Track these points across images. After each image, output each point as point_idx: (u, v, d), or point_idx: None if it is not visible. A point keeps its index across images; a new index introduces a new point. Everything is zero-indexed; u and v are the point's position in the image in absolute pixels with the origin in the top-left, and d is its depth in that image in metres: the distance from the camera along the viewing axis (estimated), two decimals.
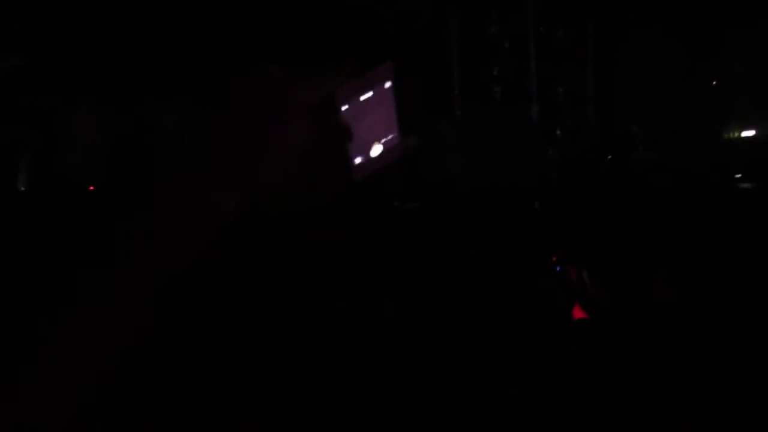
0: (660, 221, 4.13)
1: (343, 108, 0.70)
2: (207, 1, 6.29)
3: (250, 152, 0.66)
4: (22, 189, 3.82)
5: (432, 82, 8.36)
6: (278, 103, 0.67)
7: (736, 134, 7.21)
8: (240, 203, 0.63)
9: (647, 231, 3.68)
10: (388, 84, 0.73)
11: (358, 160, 0.73)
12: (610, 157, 7.43)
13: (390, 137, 0.74)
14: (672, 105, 7.91)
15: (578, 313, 1.91)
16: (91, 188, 4.63)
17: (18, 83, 3.95)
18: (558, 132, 8.13)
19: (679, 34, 7.71)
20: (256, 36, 6.60)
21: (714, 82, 7.74)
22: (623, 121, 7.94)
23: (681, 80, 7.81)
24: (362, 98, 0.74)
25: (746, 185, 5.33)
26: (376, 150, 0.74)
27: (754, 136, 6.93)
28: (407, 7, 8.06)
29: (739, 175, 5.92)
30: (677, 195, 5.34)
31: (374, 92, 0.74)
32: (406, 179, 6.92)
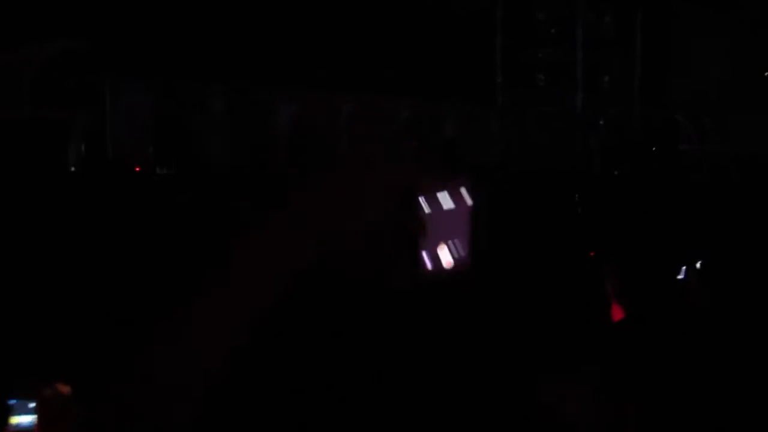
0: (700, 220, 4.04)
1: (422, 204, 0.74)
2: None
3: (332, 224, 0.70)
4: (72, 168, 3.95)
5: (475, 67, 8.28)
6: (364, 186, 0.71)
7: None
8: (315, 270, 0.67)
9: (687, 230, 3.61)
10: (468, 198, 0.77)
11: (426, 257, 0.75)
12: (654, 148, 7.27)
13: (458, 244, 0.76)
14: (719, 96, 7.67)
15: (617, 313, 1.90)
16: (137, 169, 4.76)
17: (67, 65, 4.07)
18: (601, 122, 7.97)
19: (729, 26, 7.46)
20: (293, 17, 6.63)
21: (766, 74, 7.47)
22: (669, 111, 7.74)
23: (730, 71, 7.56)
24: (442, 200, 0.77)
25: None
26: (444, 252, 0.76)
27: None
28: None
29: None
30: (720, 191, 5.20)
31: (455, 198, 0.77)
32: (444, 168, 6.88)
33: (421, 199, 0.75)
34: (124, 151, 4.75)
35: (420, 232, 0.74)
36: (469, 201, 0.79)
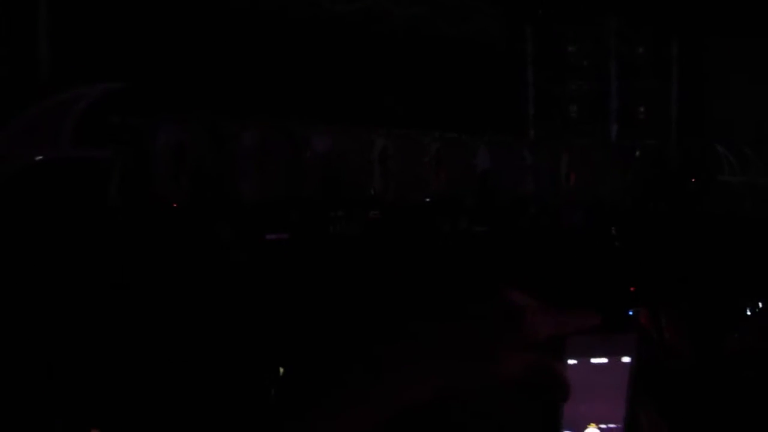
0: (745, 253, 3.91)
1: (570, 362, 0.59)
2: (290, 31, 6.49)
3: (463, 358, 0.61)
4: (112, 205, 4.03)
5: (507, 100, 8.28)
6: (508, 324, 0.61)
7: None
8: (431, 402, 0.60)
9: (731, 269, 3.49)
10: (627, 359, 0.60)
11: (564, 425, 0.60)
12: (694, 180, 7.12)
13: (611, 425, 0.60)
14: (761, 124, 7.51)
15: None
16: (174, 205, 4.84)
17: (108, 105, 4.18)
18: (637, 153, 7.86)
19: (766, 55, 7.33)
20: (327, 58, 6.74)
21: None
22: (708, 141, 7.60)
23: None
24: (594, 361, 0.61)
25: None
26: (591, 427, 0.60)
27: None
28: (481, 25, 8.04)
29: None
30: (764, 223, 5.05)
31: (609, 360, 0.60)
32: (477, 201, 6.81)
33: (572, 356, 0.59)
34: (162, 188, 4.84)
35: (562, 395, 0.61)
36: (627, 360, 0.60)
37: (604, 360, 0.60)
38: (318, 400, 0.61)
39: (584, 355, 0.60)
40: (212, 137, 5.35)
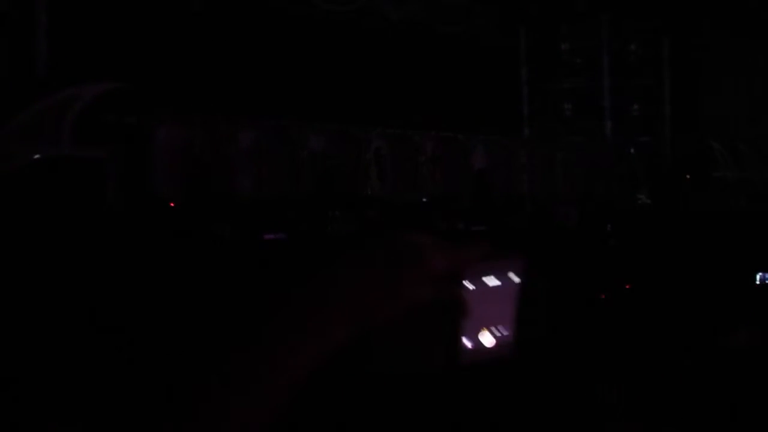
0: (740, 246, 3.94)
1: (468, 285, 0.71)
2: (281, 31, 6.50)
3: (371, 295, 0.68)
4: (110, 204, 4.03)
5: (501, 99, 8.31)
6: (409, 261, 0.69)
7: None
8: (349, 341, 0.65)
9: (725, 257, 3.53)
10: (516, 279, 0.73)
11: (467, 342, 0.73)
12: (688, 176, 7.16)
13: (502, 331, 0.71)
14: (754, 121, 7.56)
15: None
16: (172, 204, 4.84)
17: (106, 104, 4.18)
18: (632, 149, 7.90)
19: (763, 47, 7.38)
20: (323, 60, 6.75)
21: None
22: (703, 138, 7.65)
23: (762, 96, 7.45)
24: (487, 283, 0.71)
25: None
26: (486, 338, 0.74)
27: None
28: (475, 24, 8.06)
29: None
30: (759, 217, 5.09)
31: (501, 282, 0.72)
32: (473, 200, 6.84)
33: (468, 279, 0.73)
34: (160, 187, 4.84)
35: (462, 314, 0.71)
36: (516, 280, 0.72)
37: (497, 282, 0.72)
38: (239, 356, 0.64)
39: (479, 278, 0.71)
40: (209, 137, 5.36)
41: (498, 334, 0.71)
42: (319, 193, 5.81)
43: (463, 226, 6.20)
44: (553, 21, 8.12)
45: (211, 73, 5.77)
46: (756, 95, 7.43)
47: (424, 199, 6.55)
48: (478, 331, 0.70)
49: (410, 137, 6.71)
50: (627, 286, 3.64)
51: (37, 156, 3.57)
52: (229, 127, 5.49)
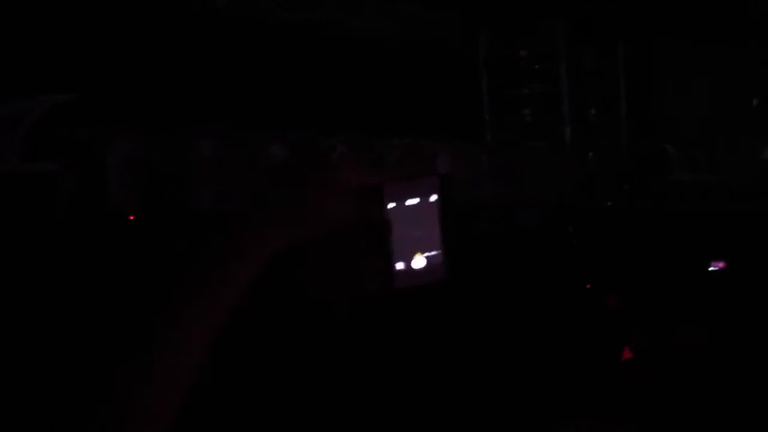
0: (695, 247, 4.04)
1: (389, 205, 0.71)
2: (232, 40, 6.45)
3: (293, 213, 0.68)
4: (63, 219, 3.93)
5: (463, 105, 8.38)
6: (328, 180, 0.70)
7: None
8: (274, 263, 0.65)
9: (683, 258, 3.60)
10: (434, 197, 0.72)
11: (399, 265, 0.69)
12: (644, 178, 7.32)
13: (432, 252, 0.71)
14: (708, 124, 7.77)
15: (627, 353, 1.87)
16: (131, 217, 4.74)
17: (57, 117, 4.08)
18: (591, 154, 8.05)
19: (714, 53, 7.61)
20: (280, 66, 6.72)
21: (755, 101, 7.59)
22: (658, 141, 7.83)
23: (718, 99, 7.68)
24: (408, 203, 0.71)
25: None
26: (418, 261, 0.71)
27: None
28: (435, 30, 8.12)
29: None
30: (713, 219, 5.22)
31: (420, 201, 0.72)
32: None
33: (389, 201, 0.73)
34: (116, 200, 4.73)
35: (387, 235, 0.72)
36: (434, 198, 0.72)
37: (416, 200, 0.72)
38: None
39: (399, 198, 0.71)
40: (167, 148, 5.27)
41: (428, 255, 0.70)
42: None
43: None
44: (513, 28, 8.23)
45: (166, 82, 5.68)
46: (710, 100, 7.63)
47: None
48: (408, 253, 0.69)
49: (373, 144, 6.71)
50: (588, 286, 3.69)
51: None
52: (187, 137, 5.41)
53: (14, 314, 2.74)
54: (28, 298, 2.80)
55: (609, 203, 7.17)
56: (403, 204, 0.71)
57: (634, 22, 7.71)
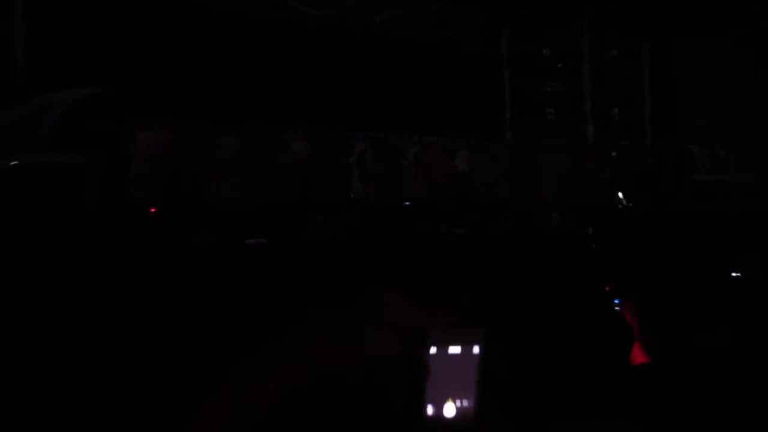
0: (719, 249, 4.00)
1: (431, 350, 0.71)
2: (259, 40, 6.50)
3: (340, 346, 0.71)
4: (91, 210, 4.00)
5: (484, 103, 8.36)
6: (375, 314, 0.72)
7: None
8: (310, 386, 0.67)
9: (706, 260, 3.57)
10: (476, 349, 0.74)
11: (429, 410, 0.71)
12: (668, 178, 7.24)
13: (465, 402, 0.72)
14: (733, 125, 7.67)
15: (639, 356, 1.86)
16: (152, 210, 4.81)
17: (87, 111, 4.15)
18: (614, 153, 7.97)
19: (740, 53, 7.50)
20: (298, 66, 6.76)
21: None
22: (682, 141, 7.74)
23: (743, 100, 7.57)
24: (450, 350, 0.73)
25: None
26: (449, 409, 0.72)
27: None
28: (458, 29, 8.11)
29: None
30: (739, 221, 5.16)
31: (462, 349, 0.73)
32: (455, 204, 6.86)
33: (432, 344, 0.72)
34: (140, 193, 4.81)
35: (424, 375, 0.73)
36: (477, 350, 0.74)
37: (458, 349, 0.73)
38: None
39: (442, 344, 0.72)
40: (191, 142, 5.34)
41: (459, 405, 0.71)
42: (302, 198, 5.81)
43: (445, 230, 6.22)
44: (535, 26, 8.19)
45: (192, 78, 5.75)
46: (735, 101, 7.53)
47: (407, 203, 6.56)
48: (440, 398, 0.71)
49: (393, 141, 6.72)
50: (607, 288, 3.67)
51: (14, 162, 3.54)
52: (211, 132, 5.48)
53: (39, 300, 2.81)
54: (51, 286, 2.87)
55: (630, 204, 7.12)
56: (446, 350, 0.72)
57: (660, 22, 7.63)
